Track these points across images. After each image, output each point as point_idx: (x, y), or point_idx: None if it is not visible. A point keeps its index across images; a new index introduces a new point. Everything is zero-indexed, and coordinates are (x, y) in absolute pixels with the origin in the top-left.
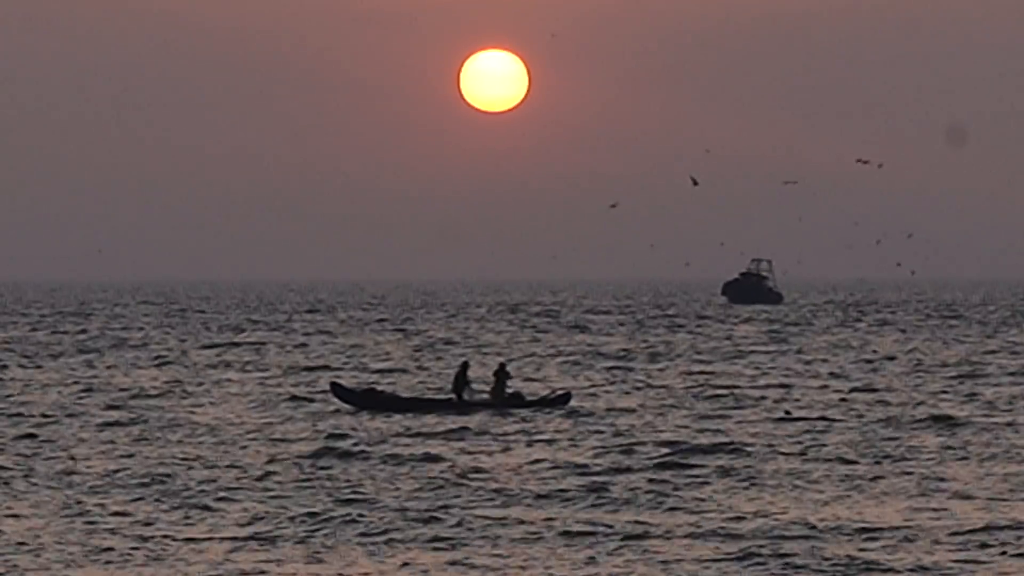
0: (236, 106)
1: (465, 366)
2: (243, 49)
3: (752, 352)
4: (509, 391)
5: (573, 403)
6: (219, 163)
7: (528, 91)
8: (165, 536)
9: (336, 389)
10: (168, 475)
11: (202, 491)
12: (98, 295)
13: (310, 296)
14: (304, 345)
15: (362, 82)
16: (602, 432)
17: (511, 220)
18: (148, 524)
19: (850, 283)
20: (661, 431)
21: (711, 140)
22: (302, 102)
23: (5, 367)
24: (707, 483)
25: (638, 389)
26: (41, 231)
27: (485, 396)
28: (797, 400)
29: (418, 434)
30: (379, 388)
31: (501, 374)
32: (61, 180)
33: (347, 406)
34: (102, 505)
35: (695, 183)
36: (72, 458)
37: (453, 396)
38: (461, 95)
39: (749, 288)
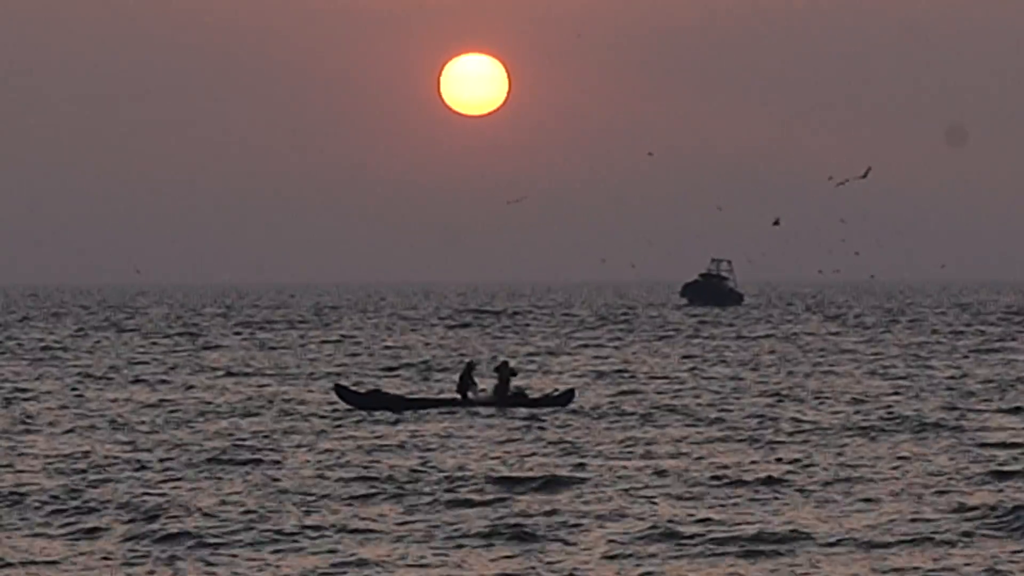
0: (215, 103)
1: (471, 366)
2: (223, 47)
3: None
4: (513, 390)
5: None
6: (194, 161)
7: (508, 94)
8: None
9: (340, 391)
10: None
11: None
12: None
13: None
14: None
15: (342, 84)
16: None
17: (491, 222)
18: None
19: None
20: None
21: (692, 141)
22: (280, 103)
23: None
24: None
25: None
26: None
27: (488, 395)
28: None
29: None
30: (384, 390)
31: (503, 372)
32: (52, 180)
33: (352, 407)
34: None
35: (777, 223)
36: None
37: (457, 395)
38: (441, 98)
39: (709, 289)
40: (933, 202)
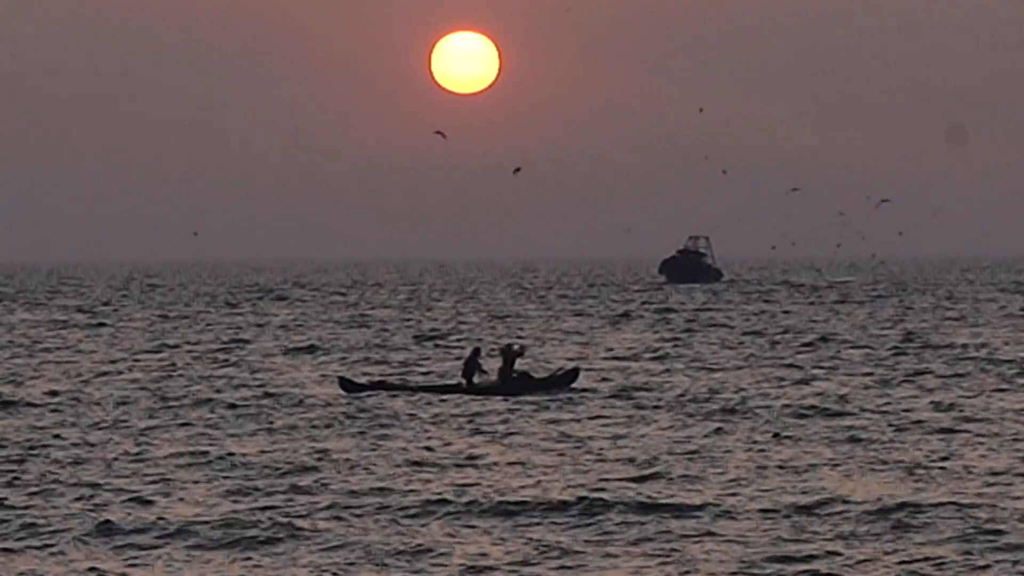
0: (204, 84)
1: (476, 351)
2: (213, 26)
3: None
4: (517, 371)
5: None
6: (184, 139)
7: (499, 72)
8: None
9: (344, 383)
10: None
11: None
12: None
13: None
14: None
15: (333, 63)
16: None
17: (481, 200)
18: None
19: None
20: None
21: (683, 120)
22: (271, 82)
23: None
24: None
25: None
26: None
27: (493, 379)
28: None
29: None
30: (388, 380)
31: (507, 355)
32: (52, 162)
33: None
34: None
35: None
36: None
37: (462, 381)
38: (432, 76)
39: (687, 265)
40: (930, 194)
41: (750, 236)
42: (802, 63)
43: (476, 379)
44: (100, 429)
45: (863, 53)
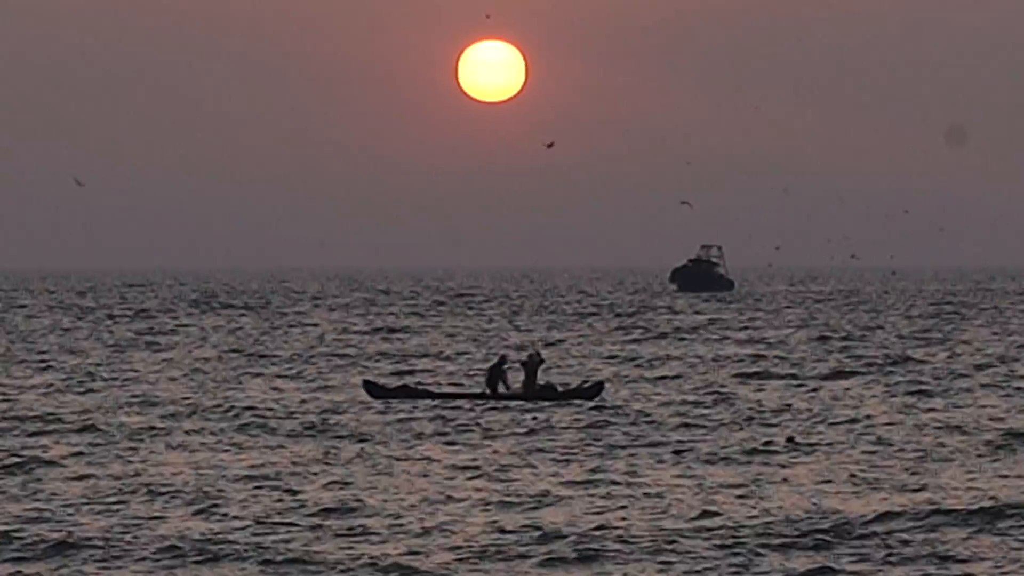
0: (231, 90)
1: (502, 360)
2: (242, 33)
3: None
4: (541, 382)
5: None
6: (211, 146)
7: (526, 81)
8: None
9: (368, 386)
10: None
11: None
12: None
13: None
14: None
15: (360, 71)
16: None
17: (508, 209)
18: None
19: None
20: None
21: (710, 128)
22: (297, 89)
23: None
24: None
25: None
26: None
27: (518, 388)
28: None
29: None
30: (412, 384)
31: (531, 364)
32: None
33: (379, 403)
34: None
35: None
36: None
37: (487, 389)
38: (459, 84)
39: (699, 275)
40: (929, 196)
41: (760, 243)
42: (822, 79)
43: (500, 388)
44: None
45: (879, 62)
